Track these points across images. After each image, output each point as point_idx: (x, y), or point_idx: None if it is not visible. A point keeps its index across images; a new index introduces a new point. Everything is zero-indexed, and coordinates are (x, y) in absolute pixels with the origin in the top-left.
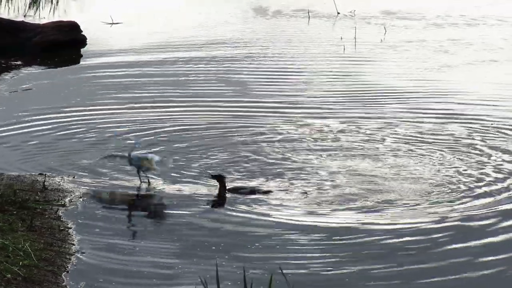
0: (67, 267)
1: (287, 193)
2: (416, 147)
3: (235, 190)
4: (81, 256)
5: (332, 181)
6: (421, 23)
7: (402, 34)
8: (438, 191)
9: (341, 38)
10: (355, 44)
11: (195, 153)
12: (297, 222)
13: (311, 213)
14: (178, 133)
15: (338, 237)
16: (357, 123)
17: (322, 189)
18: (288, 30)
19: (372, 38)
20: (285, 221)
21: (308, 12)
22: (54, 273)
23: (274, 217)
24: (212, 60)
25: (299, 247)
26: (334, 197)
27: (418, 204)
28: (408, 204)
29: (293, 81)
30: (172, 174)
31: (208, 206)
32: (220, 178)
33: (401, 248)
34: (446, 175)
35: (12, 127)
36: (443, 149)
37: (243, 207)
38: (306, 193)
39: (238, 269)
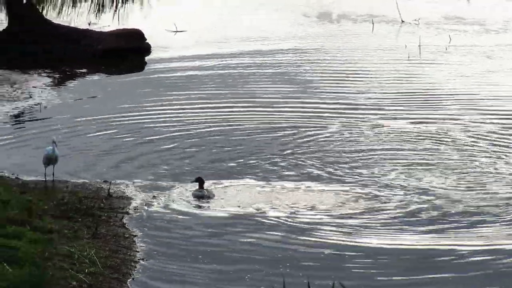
0: (132, 274)
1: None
2: (486, 152)
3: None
4: (146, 264)
5: (407, 195)
6: (484, 29)
7: (467, 40)
8: None
9: (406, 46)
10: (420, 52)
11: (260, 153)
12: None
13: (398, 233)
14: (244, 137)
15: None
16: (424, 126)
17: (401, 205)
18: (352, 36)
19: (437, 45)
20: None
21: (372, 20)
22: (119, 280)
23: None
24: (276, 64)
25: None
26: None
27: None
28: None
29: (357, 84)
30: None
31: (272, 215)
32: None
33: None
34: None
35: (77, 134)
36: None
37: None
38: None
39: None
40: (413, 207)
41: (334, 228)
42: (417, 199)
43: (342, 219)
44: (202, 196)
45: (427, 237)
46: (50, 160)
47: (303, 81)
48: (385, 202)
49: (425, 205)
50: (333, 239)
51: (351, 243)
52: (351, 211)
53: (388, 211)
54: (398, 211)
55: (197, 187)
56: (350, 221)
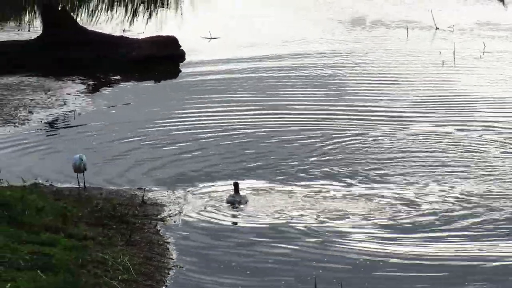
0: (166, 281)
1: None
2: None
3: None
4: (180, 271)
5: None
6: None
7: (502, 46)
8: None
9: (440, 53)
10: (454, 58)
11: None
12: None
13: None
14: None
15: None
16: (458, 134)
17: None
18: (386, 42)
19: (471, 52)
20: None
21: (407, 27)
22: (153, 287)
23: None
24: (308, 69)
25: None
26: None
27: None
28: None
29: (390, 90)
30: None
31: (305, 224)
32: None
33: None
34: None
35: (111, 141)
36: None
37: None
38: None
39: None
40: (447, 214)
41: (366, 236)
42: (452, 206)
43: (374, 227)
44: (235, 202)
45: (463, 245)
46: (78, 169)
47: (335, 86)
48: (418, 209)
49: (460, 212)
50: (366, 248)
51: (384, 252)
52: (382, 218)
53: (421, 218)
54: (431, 218)
55: (233, 192)
56: (382, 229)
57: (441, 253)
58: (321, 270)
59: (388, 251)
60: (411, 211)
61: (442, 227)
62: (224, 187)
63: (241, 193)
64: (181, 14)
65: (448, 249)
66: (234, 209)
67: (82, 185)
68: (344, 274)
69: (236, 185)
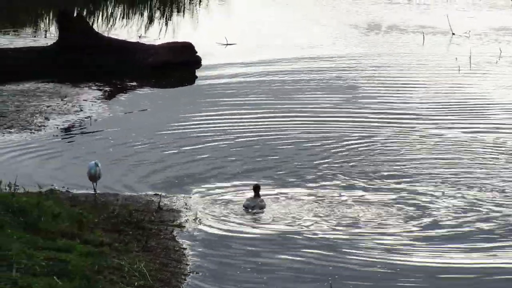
0: None
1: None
2: None
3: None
4: (196, 277)
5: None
6: None
7: None
8: None
9: (456, 58)
10: (470, 63)
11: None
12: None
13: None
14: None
15: None
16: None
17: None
18: (402, 47)
19: (487, 57)
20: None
21: (423, 32)
22: None
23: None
24: (325, 74)
25: None
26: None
27: None
28: None
29: (406, 95)
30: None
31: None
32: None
33: None
34: None
35: (127, 147)
36: None
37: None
38: None
39: None
40: (465, 222)
41: (385, 245)
42: (470, 213)
43: (393, 236)
44: (250, 207)
45: (482, 255)
46: (93, 177)
47: (352, 91)
48: (436, 217)
49: (478, 221)
50: (384, 258)
51: (403, 262)
52: (402, 226)
53: (440, 227)
54: (450, 226)
55: (252, 196)
56: (401, 238)
57: (455, 263)
58: (337, 278)
59: (408, 262)
60: (426, 219)
61: (458, 236)
62: (241, 193)
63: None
64: (197, 20)
65: (464, 258)
66: (251, 215)
67: (97, 191)
68: (360, 282)
69: (256, 188)
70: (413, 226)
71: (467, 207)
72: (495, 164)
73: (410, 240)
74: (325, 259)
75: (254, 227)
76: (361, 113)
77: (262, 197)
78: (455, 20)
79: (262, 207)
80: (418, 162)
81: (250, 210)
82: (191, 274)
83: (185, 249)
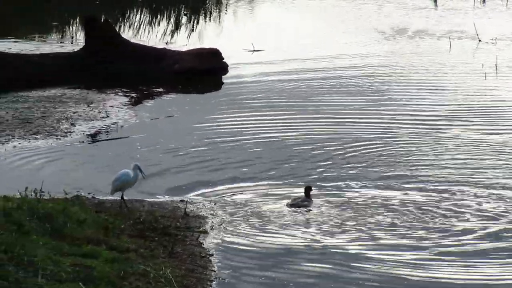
0: None
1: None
2: None
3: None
4: (222, 283)
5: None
6: None
7: None
8: None
9: (482, 65)
10: (497, 70)
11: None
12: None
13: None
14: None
15: None
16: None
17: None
18: (429, 54)
19: None
20: None
21: (449, 38)
22: None
23: None
24: (351, 79)
25: None
26: None
27: None
28: None
29: (432, 100)
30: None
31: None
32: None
33: None
34: None
35: (153, 153)
36: None
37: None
38: None
39: None
40: (490, 231)
41: (408, 259)
42: (494, 221)
43: (417, 250)
44: (300, 205)
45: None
46: (128, 185)
47: (378, 96)
48: (460, 226)
49: (504, 230)
50: (407, 272)
51: (428, 277)
52: (428, 236)
53: (466, 237)
54: (476, 236)
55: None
56: (428, 249)
57: (484, 278)
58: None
59: (429, 278)
60: (450, 228)
61: (484, 248)
62: (267, 199)
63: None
64: (224, 26)
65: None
66: (276, 222)
67: (127, 198)
68: None
69: (307, 189)
70: (439, 235)
71: (494, 216)
72: None
73: (436, 252)
74: (355, 270)
75: (280, 234)
76: (385, 117)
77: (311, 199)
78: (482, 26)
79: (304, 206)
80: (441, 166)
81: (295, 209)
82: (216, 280)
83: (211, 255)
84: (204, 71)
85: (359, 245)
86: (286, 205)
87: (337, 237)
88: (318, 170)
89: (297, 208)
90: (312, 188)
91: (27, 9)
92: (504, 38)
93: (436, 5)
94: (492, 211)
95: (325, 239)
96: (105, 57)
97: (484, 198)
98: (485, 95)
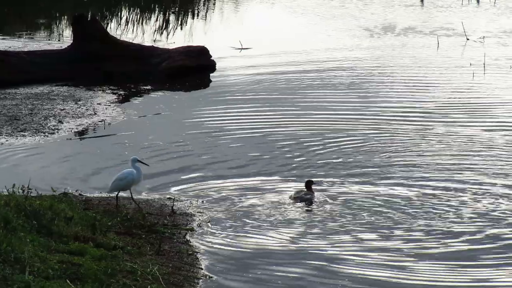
0: None
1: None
2: None
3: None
4: (209, 281)
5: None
6: None
7: None
8: None
9: (470, 64)
10: (484, 69)
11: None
12: None
13: None
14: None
15: None
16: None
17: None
18: (416, 52)
19: (502, 63)
20: None
21: (437, 38)
22: None
23: None
24: (339, 77)
25: None
26: None
27: None
28: None
29: (420, 97)
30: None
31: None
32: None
33: None
34: None
35: (140, 151)
36: None
37: None
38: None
39: None
40: (481, 231)
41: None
42: (484, 220)
43: (426, 260)
44: (305, 199)
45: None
46: (133, 184)
47: (364, 93)
48: (445, 227)
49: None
50: (390, 274)
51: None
52: (409, 237)
53: (452, 239)
54: (464, 239)
55: (304, 189)
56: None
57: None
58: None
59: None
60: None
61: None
62: (255, 196)
63: (293, 196)
64: (212, 25)
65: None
66: (264, 219)
67: (110, 194)
68: None
69: (309, 183)
70: (443, 243)
71: (484, 215)
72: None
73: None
74: (343, 269)
75: (268, 232)
76: (375, 114)
77: (313, 192)
78: (470, 25)
79: (308, 200)
80: (436, 164)
81: (298, 202)
82: (204, 278)
83: (198, 253)
84: (192, 69)
85: (343, 245)
86: (290, 197)
87: (322, 235)
88: (304, 166)
89: (300, 201)
90: (314, 181)
91: (14, 6)
92: (491, 36)
93: (422, 3)
94: (480, 208)
95: (311, 237)
96: (93, 55)
97: (472, 195)
98: (472, 92)
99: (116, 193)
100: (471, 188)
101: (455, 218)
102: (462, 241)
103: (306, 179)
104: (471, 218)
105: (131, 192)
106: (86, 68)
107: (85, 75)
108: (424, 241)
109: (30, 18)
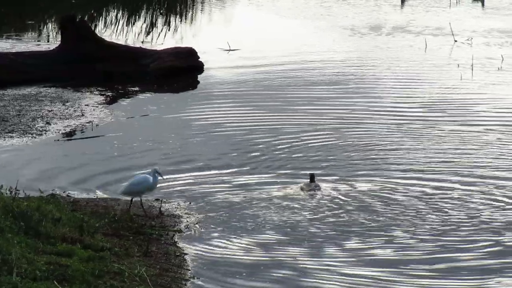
0: None
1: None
2: None
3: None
4: (197, 282)
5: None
6: None
7: None
8: None
9: (458, 66)
10: (472, 70)
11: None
12: None
13: None
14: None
15: None
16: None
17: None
18: (405, 53)
19: (490, 65)
20: None
21: (425, 40)
22: None
23: None
24: (329, 78)
25: None
26: None
27: None
28: None
29: (408, 96)
30: None
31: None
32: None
33: None
34: None
35: (128, 152)
36: None
37: None
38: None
39: None
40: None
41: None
42: (475, 218)
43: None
44: (312, 189)
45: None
46: (148, 190)
47: (352, 92)
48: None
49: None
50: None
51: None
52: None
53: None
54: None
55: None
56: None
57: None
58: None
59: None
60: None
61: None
62: (243, 197)
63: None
64: (199, 26)
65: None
66: (252, 220)
67: (98, 196)
68: None
69: (312, 176)
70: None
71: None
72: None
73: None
74: (328, 269)
75: (256, 233)
76: (364, 112)
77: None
78: (458, 26)
79: (318, 189)
80: (425, 160)
81: (313, 192)
82: (191, 279)
83: (186, 254)
84: (180, 70)
85: (327, 250)
86: (301, 189)
87: (313, 235)
88: (293, 163)
89: (312, 192)
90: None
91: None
92: (479, 37)
93: (402, 4)
94: (470, 205)
95: (301, 238)
96: (81, 56)
97: (462, 191)
98: (460, 93)
99: (132, 198)
100: (461, 187)
101: (446, 216)
102: (462, 241)
103: (309, 172)
104: (471, 217)
105: (141, 198)
106: (74, 69)
107: (73, 76)
108: (412, 247)
109: (18, 19)
